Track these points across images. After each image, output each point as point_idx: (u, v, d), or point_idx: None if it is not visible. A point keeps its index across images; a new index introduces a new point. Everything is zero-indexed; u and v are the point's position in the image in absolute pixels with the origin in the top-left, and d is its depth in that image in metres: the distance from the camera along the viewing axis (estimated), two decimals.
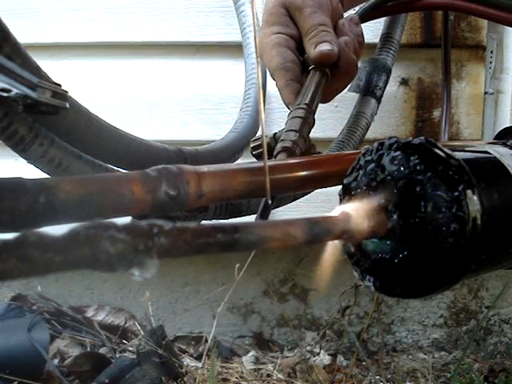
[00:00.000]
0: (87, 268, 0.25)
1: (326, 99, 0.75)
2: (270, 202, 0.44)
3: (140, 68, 1.08)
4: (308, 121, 0.64)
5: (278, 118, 1.06)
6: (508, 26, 0.86)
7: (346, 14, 0.81)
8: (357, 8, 0.91)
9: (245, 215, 0.73)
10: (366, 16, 0.90)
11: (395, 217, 0.39)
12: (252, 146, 0.66)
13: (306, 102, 0.66)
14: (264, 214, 0.54)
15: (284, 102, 0.71)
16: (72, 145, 0.58)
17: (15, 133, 0.53)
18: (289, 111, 0.69)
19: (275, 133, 0.65)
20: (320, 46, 0.70)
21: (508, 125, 1.01)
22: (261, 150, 0.65)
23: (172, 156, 0.67)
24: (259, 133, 0.94)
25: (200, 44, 1.08)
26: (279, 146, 0.60)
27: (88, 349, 1.01)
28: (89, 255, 0.25)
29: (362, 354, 0.93)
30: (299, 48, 0.73)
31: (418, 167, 0.39)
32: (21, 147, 0.54)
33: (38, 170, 0.58)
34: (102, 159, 0.61)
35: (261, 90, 0.58)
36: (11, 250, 0.23)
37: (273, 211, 0.61)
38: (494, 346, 1.14)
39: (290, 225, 0.34)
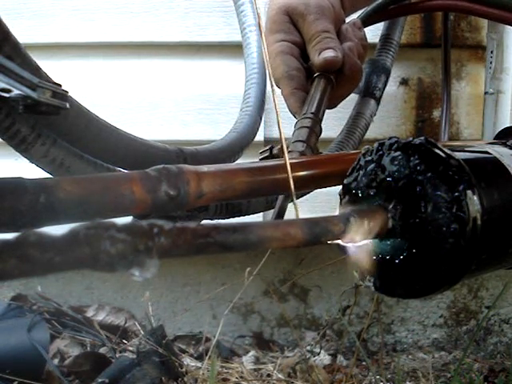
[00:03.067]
0: (87, 268, 0.25)
1: (332, 105, 0.75)
2: (294, 199, 0.44)
3: (140, 68, 1.08)
4: (315, 130, 0.64)
5: None
6: (510, 25, 0.86)
7: (347, 19, 0.81)
8: (359, 12, 0.91)
9: (245, 215, 0.73)
10: (368, 20, 0.89)
11: (395, 217, 0.39)
12: (260, 158, 0.66)
13: (312, 110, 0.66)
14: (280, 213, 0.54)
15: (290, 111, 0.71)
16: (72, 145, 0.58)
17: (17, 132, 0.53)
18: (290, 114, 0.69)
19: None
20: (324, 53, 0.70)
21: (508, 125, 1.00)
22: None
23: (172, 156, 0.67)
24: (258, 136, 0.94)
25: (200, 44, 1.08)
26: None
27: (88, 349, 1.01)
28: (89, 255, 0.24)
29: (363, 354, 0.93)
30: (303, 55, 0.73)
31: (418, 167, 0.39)
32: (23, 147, 0.54)
33: (39, 169, 0.58)
34: (102, 159, 0.61)
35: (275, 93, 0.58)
36: (11, 249, 0.23)
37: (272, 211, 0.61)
38: (494, 346, 1.14)
39: (290, 225, 0.34)
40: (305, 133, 0.63)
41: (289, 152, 0.61)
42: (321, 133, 0.66)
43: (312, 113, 0.66)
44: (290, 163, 0.52)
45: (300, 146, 0.61)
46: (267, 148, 0.66)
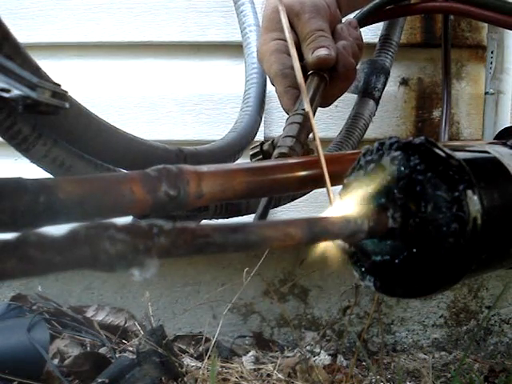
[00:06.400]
0: (87, 268, 0.25)
1: (326, 103, 0.75)
2: (331, 194, 0.44)
3: (140, 68, 1.08)
4: (306, 126, 0.64)
5: (277, 117, 1.06)
6: (507, 28, 0.86)
7: (344, 19, 0.81)
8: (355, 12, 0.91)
9: (244, 215, 0.73)
10: (364, 20, 0.90)
11: (395, 217, 0.39)
12: (251, 153, 0.66)
13: (304, 107, 0.66)
14: (263, 214, 0.54)
15: (283, 108, 0.71)
16: (72, 145, 0.58)
17: (18, 132, 0.53)
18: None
19: (273, 139, 0.65)
20: (318, 51, 0.70)
21: (508, 125, 1.01)
22: (259, 157, 0.65)
23: (172, 156, 0.67)
24: (258, 135, 0.94)
25: (200, 44, 1.08)
26: (276, 152, 0.60)
27: (88, 349, 1.01)
28: (89, 255, 0.24)
29: (363, 354, 0.93)
30: (298, 53, 0.73)
31: (418, 167, 0.39)
32: (24, 147, 0.54)
33: (40, 169, 0.58)
34: (102, 159, 0.61)
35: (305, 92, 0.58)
36: (11, 250, 0.23)
37: (272, 211, 0.61)
38: (495, 346, 1.14)
39: (290, 225, 0.34)
40: (295, 128, 0.63)
41: (278, 147, 0.61)
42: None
43: (303, 109, 0.66)
44: (290, 163, 0.52)
45: (289, 141, 0.61)
46: (257, 144, 0.66)
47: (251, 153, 0.66)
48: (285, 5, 0.73)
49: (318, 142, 0.48)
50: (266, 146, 0.65)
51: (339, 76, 0.72)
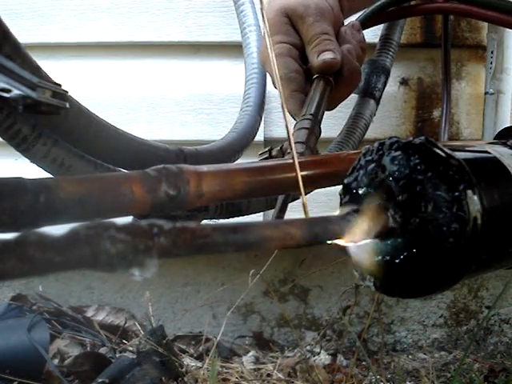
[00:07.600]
0: (87, 268, 0.25)
1: (331, 107, 0.75)
2: (304, 199, 0.44)
3: (140, 68, 1.08)
4: (314, 131, 0.64)
5: (277, 117, 1.06)
6: (508, 28, 0.86)
7: (346, 21, 0.81)
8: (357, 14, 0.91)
9: (245, 215, 0.73)
10: (367, 22, 0.90)
11: (395, 217, 0.39)
12: (259, 159, 0.66)
13: (312, 112, 0.66)
14: (282, 212, 0.54)
15: (289, 113, 0.71)
16: (72, 145, 0.58)
17: (18, 132, 0.53)
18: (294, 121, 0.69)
19: (282, 145, 0.65)
20: (323, 55, 0.70)
21: (508, 125, 1.01)
22: None
23: (172, 156, 0.67)
24: (258, 136, 0.94)
25: (200, 44, 1.08)
26: (286, 158, 0.60)
27: (88, 349, 1.01)
28: (89, 255, 0.24)
29: (363, 354, 0.93)
30: (302, 57, 0.73)
31: (418, 167, 0.39)
32: (24, 147, 0.54)
33: (40, 169, 0.58)
34: (102, 159, 0.61)
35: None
36: (11, 249, 0.23)
37: (272, 211, 0.61)
38: (494, 346, 1.14)
39: (290, 225, 0.34)
40: (304, 134, 0.63)
41: (288, 153, 0.61)
42: (320, 134, 0.67)
43: (311, 114, 0.66)
44: (289, 163, 0.51)
45: (299, 147, 0.61)
46: (266, 150, 0.66)
47: (259, 159, 0.66)
48: (288, 7, 0.73)
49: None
50: (274, 152, 0.65)
51: (344, 80, 0.72)
